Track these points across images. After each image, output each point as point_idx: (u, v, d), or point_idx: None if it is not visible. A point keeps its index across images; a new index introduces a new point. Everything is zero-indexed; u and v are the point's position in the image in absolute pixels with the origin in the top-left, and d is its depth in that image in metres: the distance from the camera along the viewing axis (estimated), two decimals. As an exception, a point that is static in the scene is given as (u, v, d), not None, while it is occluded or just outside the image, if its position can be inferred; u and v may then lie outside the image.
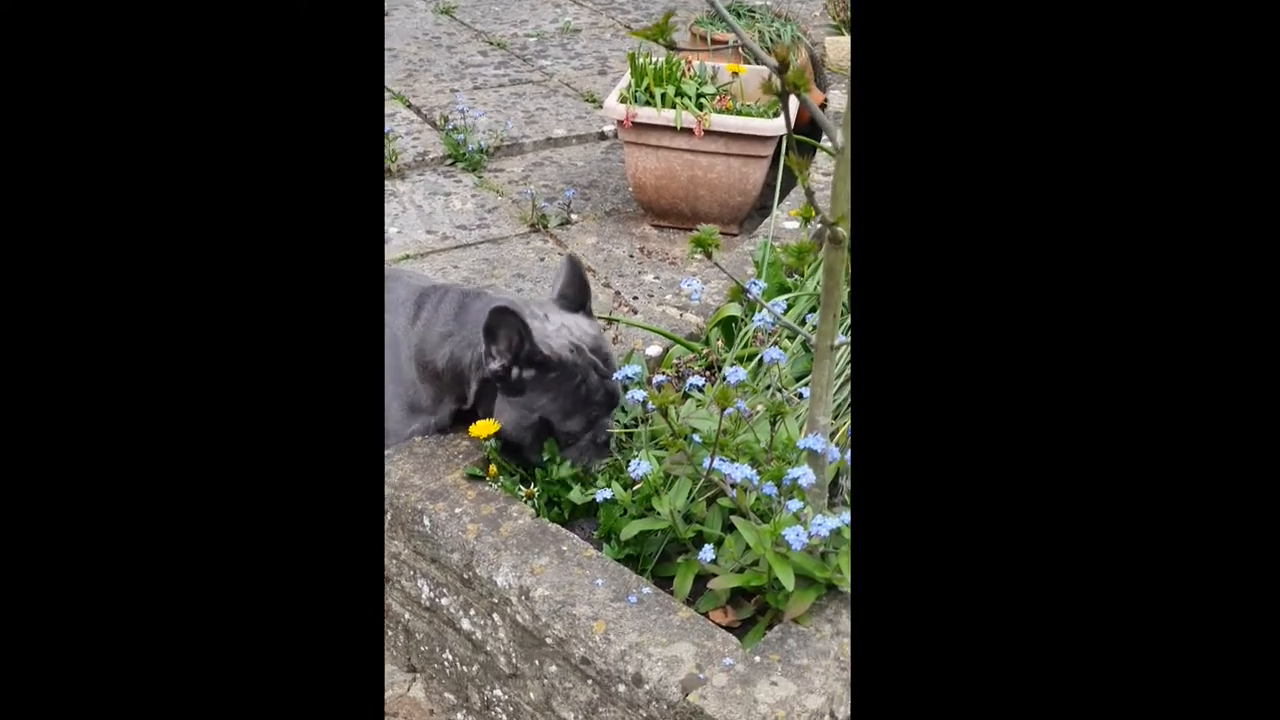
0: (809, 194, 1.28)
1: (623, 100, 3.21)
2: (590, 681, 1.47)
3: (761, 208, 3.37)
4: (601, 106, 4.06)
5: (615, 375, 1.74)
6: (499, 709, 1.66)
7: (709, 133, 3.13)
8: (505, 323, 1.65)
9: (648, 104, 3.20)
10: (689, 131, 3.14)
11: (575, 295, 1.83)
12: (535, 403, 1.70)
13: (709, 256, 1.47)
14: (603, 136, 4.06)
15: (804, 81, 1.12)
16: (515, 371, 1.69)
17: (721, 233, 3.31)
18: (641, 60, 3.29)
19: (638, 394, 1.63)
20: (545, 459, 1.73)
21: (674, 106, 3.17)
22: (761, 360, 1.93)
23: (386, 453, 1.80)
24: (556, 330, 1.72)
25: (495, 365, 1.69)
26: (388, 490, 1.71)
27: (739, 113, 3.20)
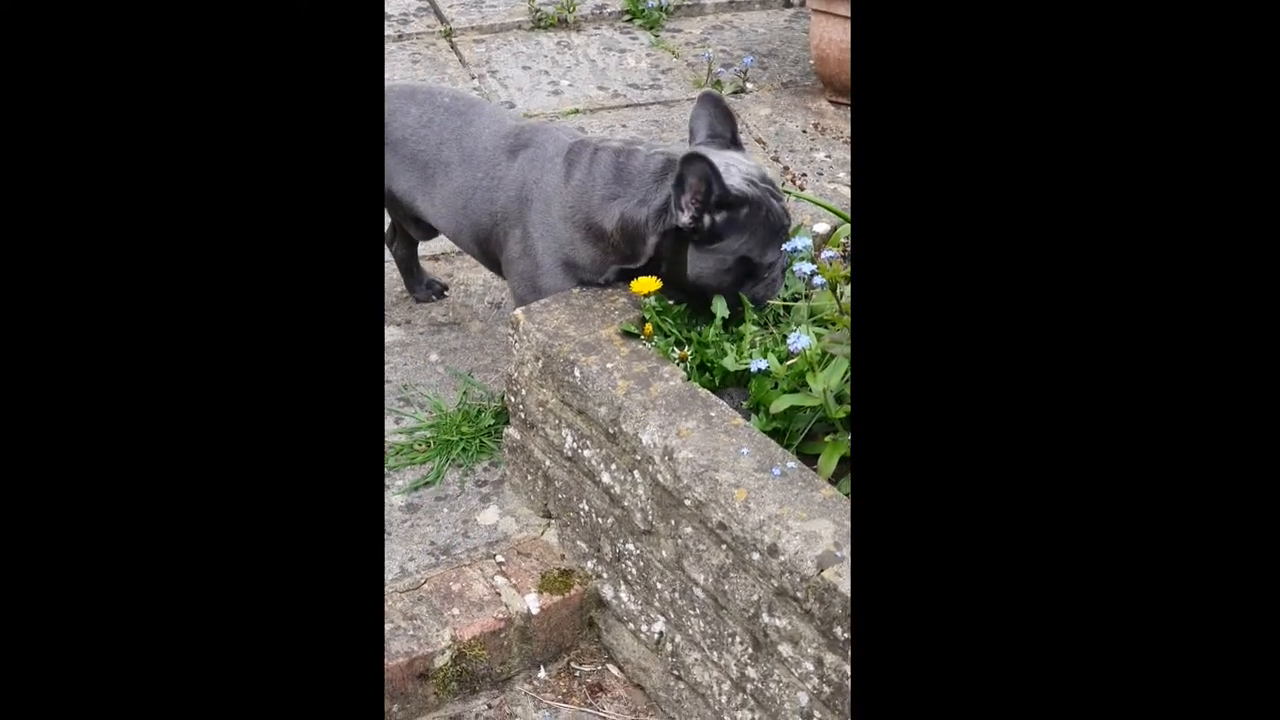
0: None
1: (814, -35, 3.07)
2: (724, 547, 1.48)
3: (946, 93, 3.21)
4: (789, -28, 3.91)
5: (784, 246, 1.69)
6: (629, 562, 1.69)
7: (901, 7, 2.97)
8: (695, 170, 1.63)
9: (840, -29, 3.06)
10: (880, 4, 2.99)
11: (725, 131, 1.81)
12: (733, 245, 1.70)
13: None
14: (788, 3, 3.91)
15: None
16: (706, 219, 1.68)
17: (901, 115, 3.17)
18: (839, -76, 3.13)
19: (805, 267, 1.58)
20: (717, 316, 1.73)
21: (868, -24, 3.01)
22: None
23: (543, 302, 1.81)
24: (726, 169, 1.69)
25: (685, 217, 1.68)
26: (541, 338, 1.72)
27: (936, -12, 3.03)
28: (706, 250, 1.71)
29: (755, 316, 1.73)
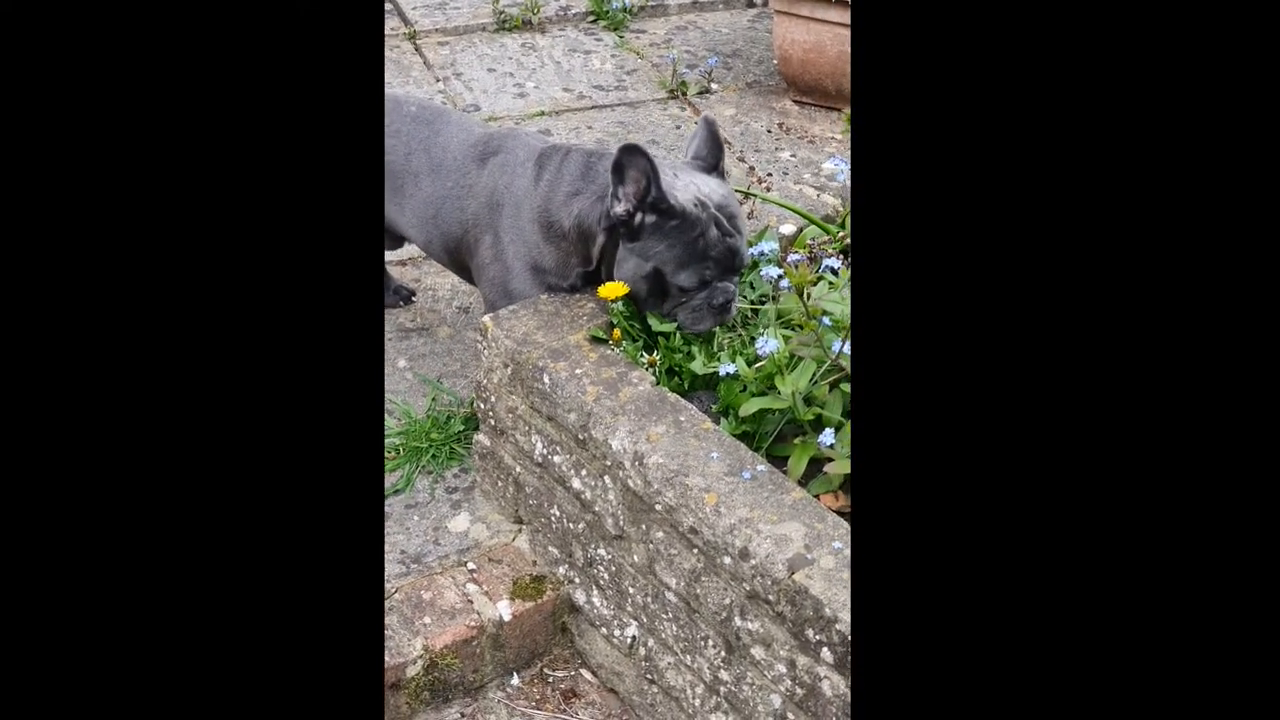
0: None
1: (777, -34, 3.08)
2: (696, 551, 1.48)
3: (910, 91, 3.23)
4: (752, -28, 3.92)
5: (750, 250, 1.69)
6: (601, 567, 1.69)
7: (864, 7, 2.98)
8: (634, 162, 1.62)
9: (803, -28, 3.06)
10: (844, 3, 3.00)
11: (709, 156, 1.79)
12: (650, 250, 1.67)
13: (862, 133, 1.41)
14: (751, 4, 3.92)
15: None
16: (639, 217, 1.66)
17: (865, 114, 3.18)
18: (800, -76, 3.14)
19: (771, 270, 1.59)
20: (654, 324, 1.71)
21: (830, -24, 3.03)
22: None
23: (511, 308, 1.81)
24: (684, 186, 1.68)
25: (620, 208, 1.66)
26: (509, 345, 1.72)
27: (898, -12, 3.04)
28: (629, 249, 1.69)
29: (684, 322, 1.71)
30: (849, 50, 3.08)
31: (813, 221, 2.03)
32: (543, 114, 3.17)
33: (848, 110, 1.40)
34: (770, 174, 2.92)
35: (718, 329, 1.71)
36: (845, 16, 3.02)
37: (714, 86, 3.38)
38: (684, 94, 3.33)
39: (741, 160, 2.98)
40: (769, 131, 3.16)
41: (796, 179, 2.27)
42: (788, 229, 2.06)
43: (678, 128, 3.14)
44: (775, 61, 3.30)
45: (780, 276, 1.58)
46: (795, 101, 3.31)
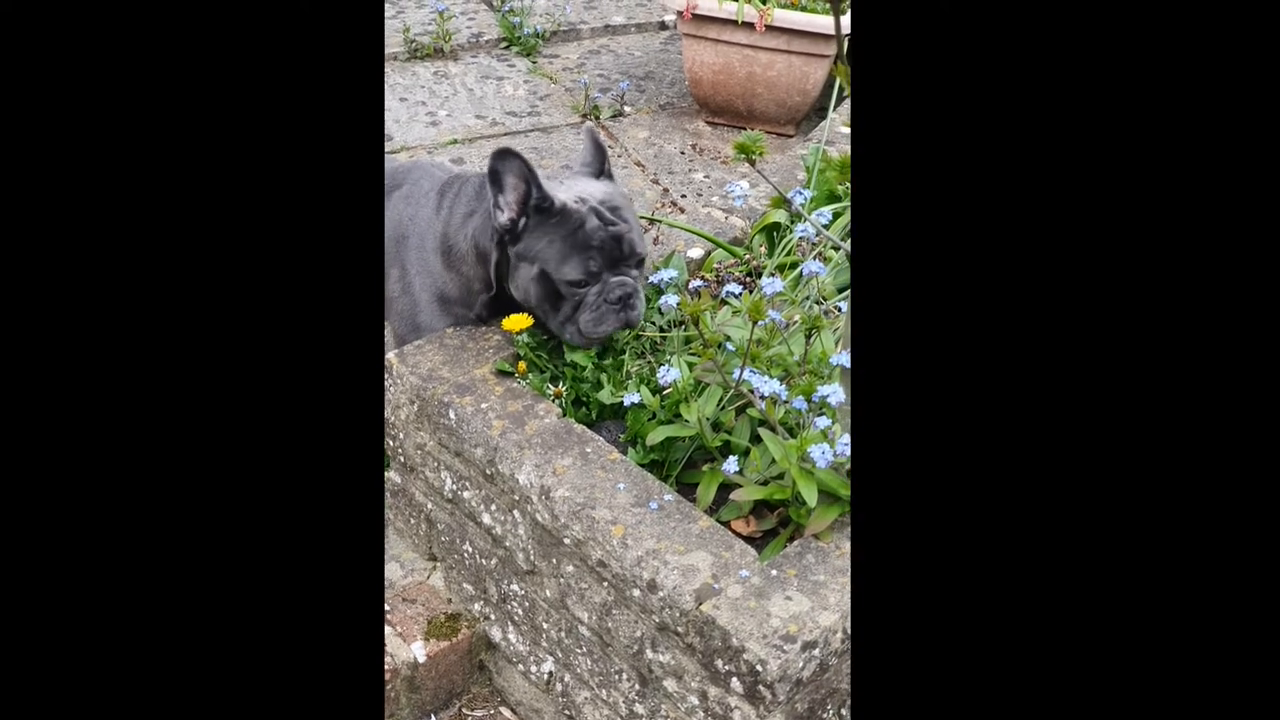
0: (859, 100, 1.21)
1: (683, -11, 3.10)
2: (606, 584, 1.47)
3: (820, 108, 3.26)
4: (663, -5, 3.94)
5: (651, 278, 1.69)
6: (515, 603, 1.67)
7: (771, 28, 3.01)
8: (509, 167, 1.60)
9: (709, -6, 3.09)
10: (750, 26, 3.03)
11: (594, 162, 1.80)
12: (533, 250, 1.65)
13: (752, 164, 1.42)
14: (663, 26, 3.94)
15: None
16: (522, 221, 1.65)
17: (778, 133, 3.21)
18: (706, -53, 3.16)
19: (672, 299, 1.59)
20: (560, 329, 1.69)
21: (736, -2, 3.05)
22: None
23: (417, 343, 1.79)
24: (567, 188, 1.68)
25: (504, 217, 1.65)
26: (415, 381, 1.70)
27: (804, 9, 3.08)
28: (516, 255, 1.67)
29: (587, 328, 1.68)
30: (757, 71, 3.11)
31: (718, 245, 2.04)
32: (455, 142, 3.15)
33: (740, 138, 1.40)
34: (684, 195, 2.93)
35: (629, 351, 1.70)
36: (752, 38, 3.04)
37: (627, 109, 3.39)
38: (597, 118, 3.33)
39: (656, 182, 2.99)
40: (682, 153, 3.17)
41: (706, 202, 2.28)
42: (696, 253, 2.06)
43: (591, 152, 3.15)
44: (687, 83, 3.32)
45: (678, 305, 1.58)
46: (708, 122, 3.32)
